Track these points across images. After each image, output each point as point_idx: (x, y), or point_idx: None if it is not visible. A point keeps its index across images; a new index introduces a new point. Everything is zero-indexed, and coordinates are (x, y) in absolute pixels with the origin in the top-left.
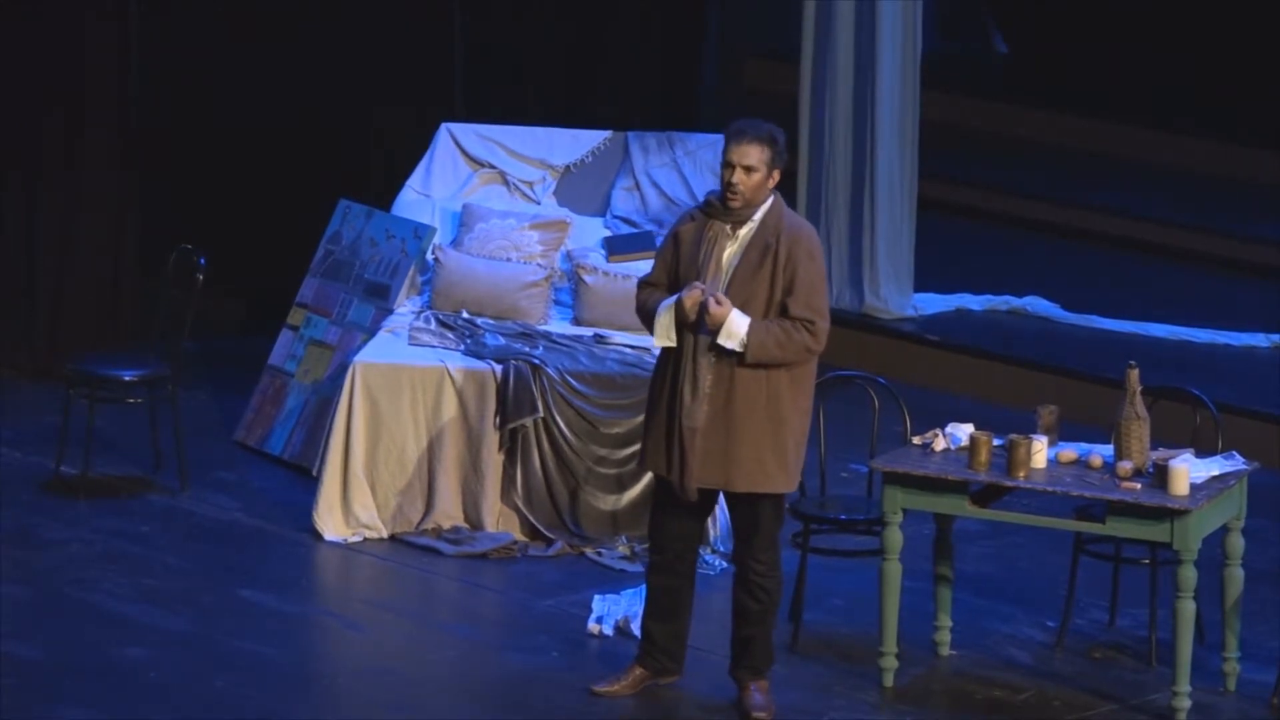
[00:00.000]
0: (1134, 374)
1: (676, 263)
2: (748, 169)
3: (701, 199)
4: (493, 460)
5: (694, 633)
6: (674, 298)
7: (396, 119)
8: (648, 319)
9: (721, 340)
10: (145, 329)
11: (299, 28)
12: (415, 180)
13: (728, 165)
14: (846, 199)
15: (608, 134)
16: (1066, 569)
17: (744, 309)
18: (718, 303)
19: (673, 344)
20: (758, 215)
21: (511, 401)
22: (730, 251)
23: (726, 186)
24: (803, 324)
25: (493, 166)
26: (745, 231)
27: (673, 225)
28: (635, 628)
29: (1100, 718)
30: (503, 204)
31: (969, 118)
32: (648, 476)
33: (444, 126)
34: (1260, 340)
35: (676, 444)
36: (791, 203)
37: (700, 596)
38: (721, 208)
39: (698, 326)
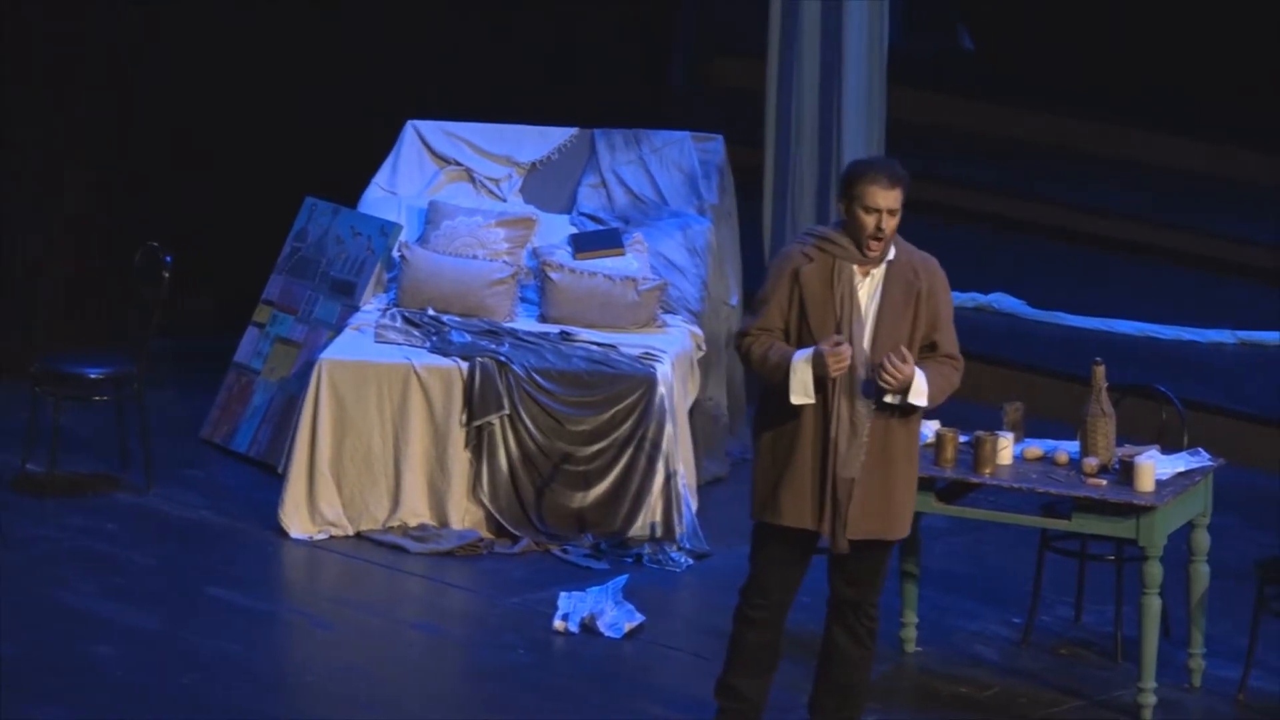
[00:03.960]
0: (1100, 370)
1: (800, 307)
2: (892, 213)
3: (803, 231)
4: (459, 458)
5: (662, 630)
6: (806, 351)
7: (362, 116)
8: (769, 371)
9: (913, 399)
10: (112, 327)
11: (268, 25)
12: (381, 177)
13: (872, 211)
14: (813, 196)
15: (574, 131)
16: (1032, 565)
17: (895, 353)
18: (902, 359)
19: (812, 400)
20: (890, 253)
21: (478, 399)
22: (865, 292)
23: (872, 235)
24: (951, 363)
25: (459, 164)
26: (878, 270)
27: (779, 265)
28: (601, 625)
29: (1066, 714)
30: (469, 201)
31: (935, 114)
32: (614, 474)
33: (410, 124)
34: (1226, 337)
35: (829, 495)
36: (757, 198)
37: (666, 593)
38: (857, 252)
39: (863, 389)
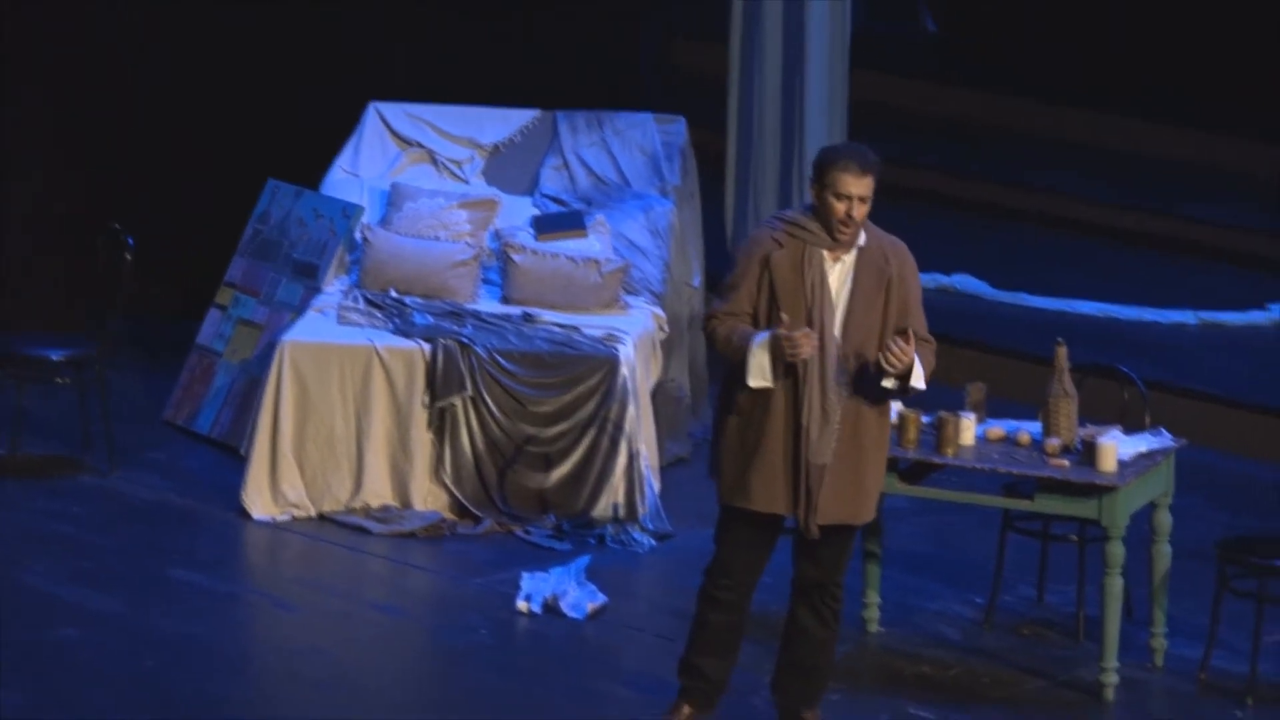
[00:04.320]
0: (1062, 351)
1: (770, 292)
2: (863, 199)
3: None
4: (421, 439)
5: (625, 610)
6: (765, 335)
7: (325, 98)
8: (731, 353)
9: (914, 383)
10: (73, 309)
11: (227, 6)
12: (343, 159)
13: (843, 198)
14: (775, 177)
15: (536, 113)
16: (995, 546)
17: (865, 339)
18: (902, 350)
19: (770, 384)
20: (860, 238)
21: (440, 380)
22: (836, 278)
23: (843, 220)
24: (927, 346)
25: (421, 145)
26: (849, 256)
27: (748, 249)
28: (564, 605)
29: (1028, 694)
30: (431, 183)
31: (898, 97)
32: (577, 455)
33: (372, 105)
34: (1188, 318)
35: (803, 481)
36: (719, 183)
37: (629, 573)
38: (827, 236)
39: (839, 373)
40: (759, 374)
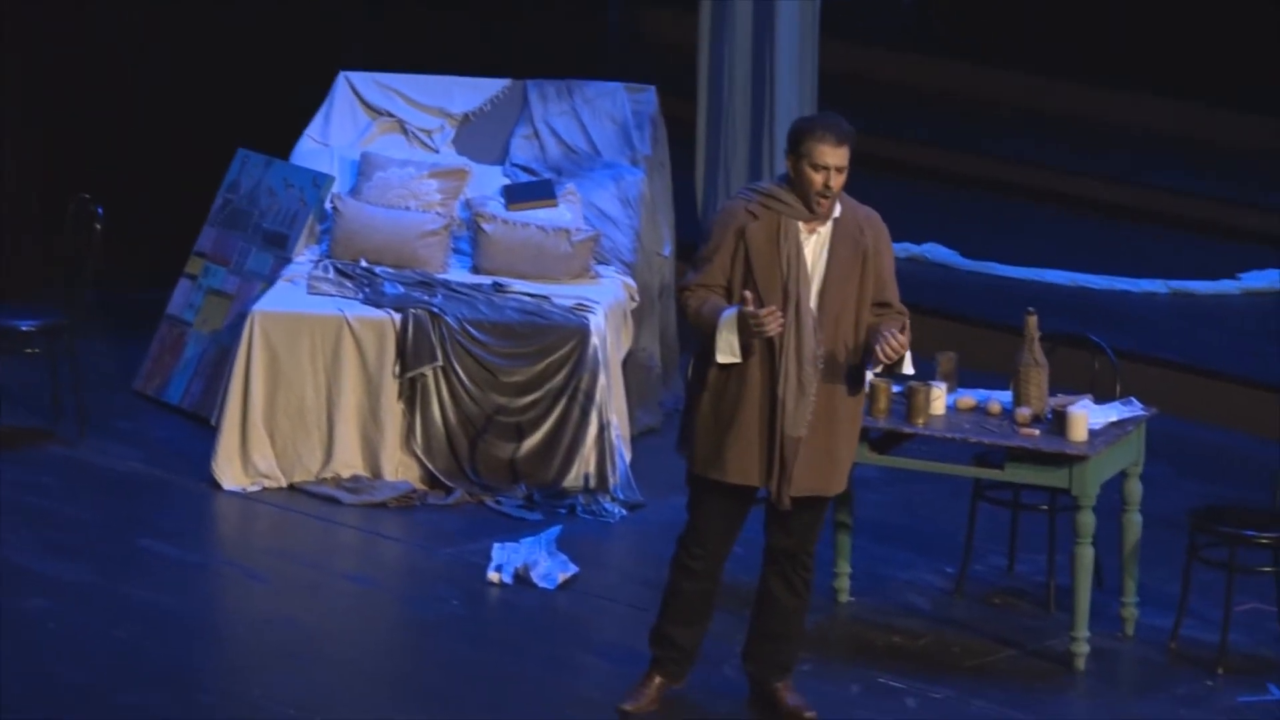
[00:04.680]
0: (1032, 320)
1: (746, 266)
2: (841, 169)
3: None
4: (392, 409)
5: (596, 580)
6: (732, 312)
7: (294, 67)
8: (702, 326)
9: (906, 369)
10: (43, 279)
11: None
12: (314, 129)
13: (820, 168)
14: (746, 146)
15: (506, 82)
16: (965, 515)
17: (841, 312)
18: (900, 344)
19: (737, 360)
20: (835, 210)
21: (411, 350)
22: (812, 251)
23: (820, 191)
24: (903, 318)
25: (391, 115)
26: (824, 228)
27: (722, 221)
28: (535, 576)
29: (999, 663)
30: (401, 153)
31: (868, 67)
32: (548, 425)
33: (342, 75)
34: (1159, 287)
35: (777, 453)
36: (690, 153)
37: (600, 543)
38: (803, 207)
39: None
40: (727, 350)
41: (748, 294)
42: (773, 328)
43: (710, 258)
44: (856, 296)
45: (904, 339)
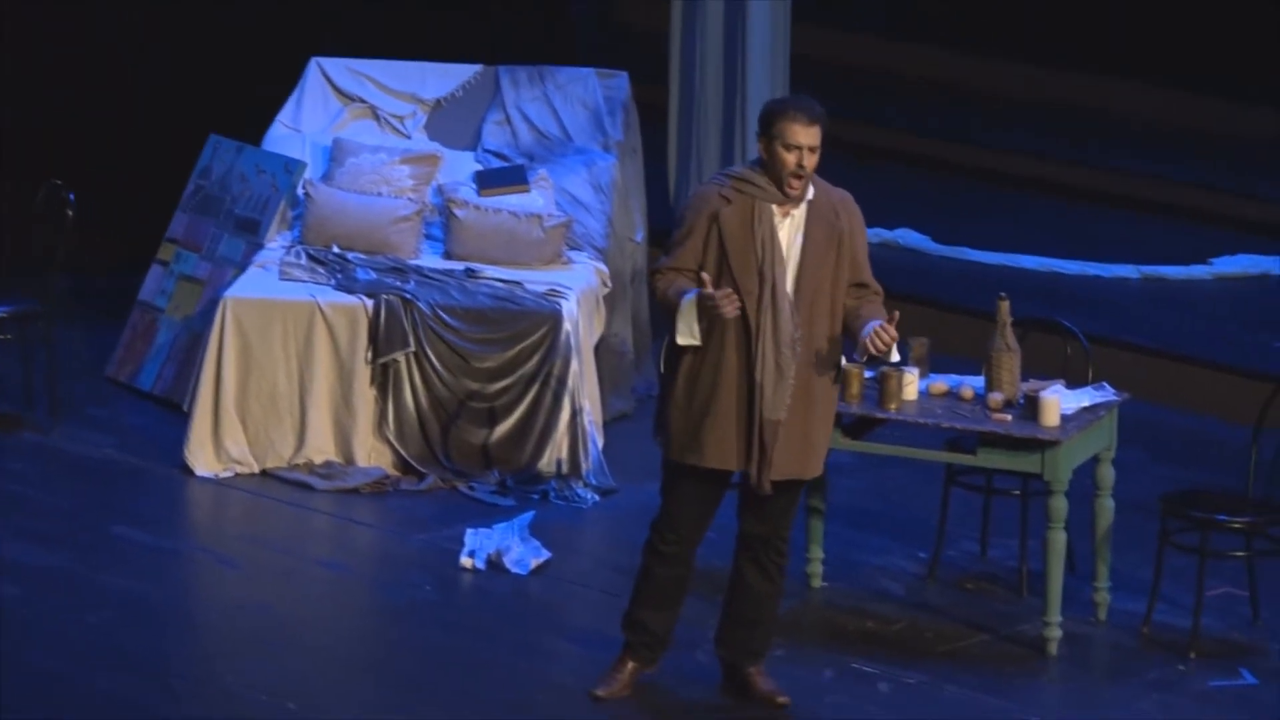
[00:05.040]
0: (1004, 306)
1: (720, 251)
2: (813, 150)
3: (719, 172)
4: (364, 395)
5: (569, 566)
6: (691, 294)
7: (266, 53)
8: (666, 309)
9: (894, 358)
10: (15, 265)
11: None
12: (285, 115)
13: (793, 148)
14: (718, 132)
15: (478, 68)
16: (938, 501)
17: (817, 294)
18: (892, 336)
19: (698, 343)
20: (809, 193)
21: (383, 336)
22: (786, 234)
23: (793, 172)
24: (879, 298)
25: (363, 101)
26: (798, 211)
27: (695, 206)
28: (508, 561)
29: (972, 648)
30: (373, 138)
31: (840, 52)
32: (520, 410)
33: (314, 61)
34: (1130, 272)
35: (756, 437)
36: (662, 138)
37: (572, 529)
38: (776, 190)
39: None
40: (687, 333)
41: (705, 275)
42: (728, 310)
43: (682, 242)
44: (832, 279)
45: (894, 332)
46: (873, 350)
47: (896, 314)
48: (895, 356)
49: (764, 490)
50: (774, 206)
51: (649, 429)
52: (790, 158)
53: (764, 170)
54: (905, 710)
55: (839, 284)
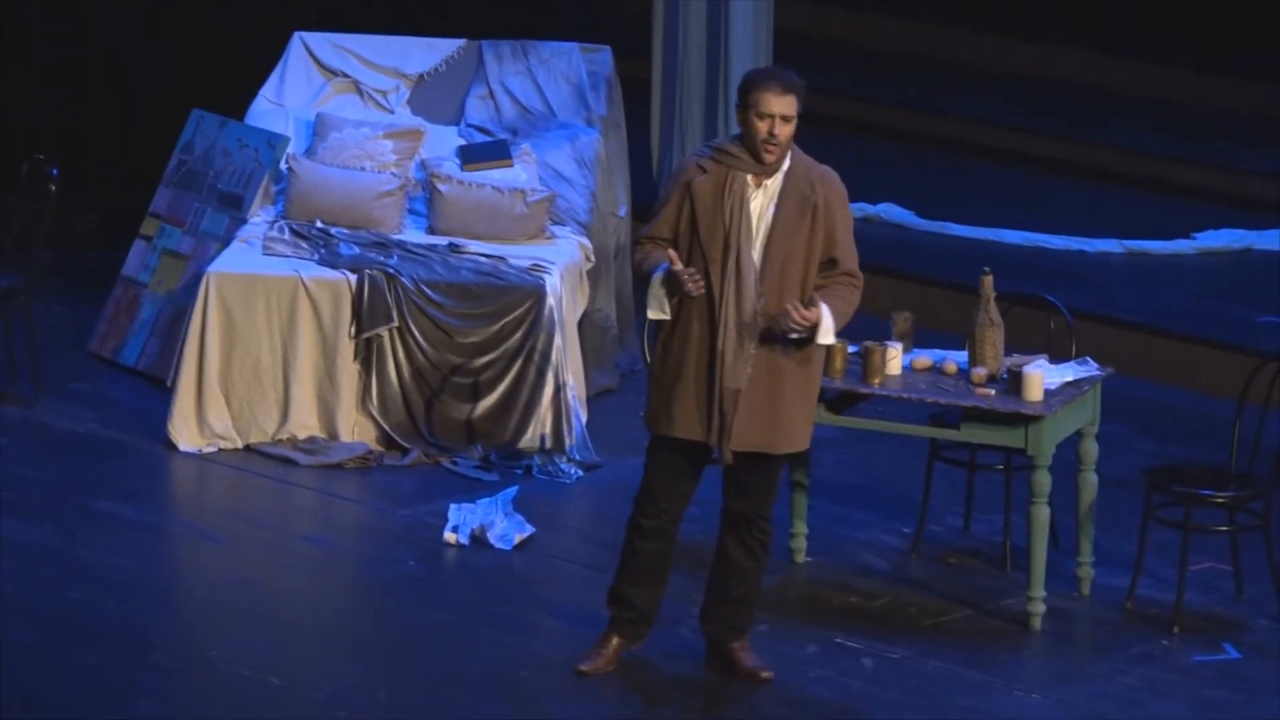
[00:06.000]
0: (988, 280)
1: (691, 219)
2: (786, 119)
3: (704, 144)
4: (348, 370)
5: (552, 541)
6: (662, 269)
7: (249, 27)
8: (641, 281)
9: (821, 339)
10: None
11: None
12: (268, 89)
13: (765, 116)
14: (701, 109)
15: (462, 42)
16: (922, 475)
17: (785, 267)
18: (807, 307)
19: (667, 317)
20: (785, 164)
21: (367, 311)
22: (759, 204)
23: (766, 139)
24: (851, 281)
25: (346, 75)
26: (773, 182)
27: (674, 176)
28: (491, 537)
29: (956, 623)
30: (357, 113)
31: (823, 26)
32: (503, 386)
33: (297, 35)
34: (1114, 246)
35: (717, 406)
36: (645, 112)
37: (556, 504)
38: (751, 160)
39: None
40: (657, 307)
41: (673, 252)
42: (691, 288)
43: (659, 211)
44: (804, 252)
45: (810, 315)
46: (789, 327)
47: (821, 306)
48: (827, 339)
49: (726, 460)
50: (749, 177)
51: (633, 404)
52: (762, 125)
53: (742, 141)
54: (889, 685)
55: (812, 257)
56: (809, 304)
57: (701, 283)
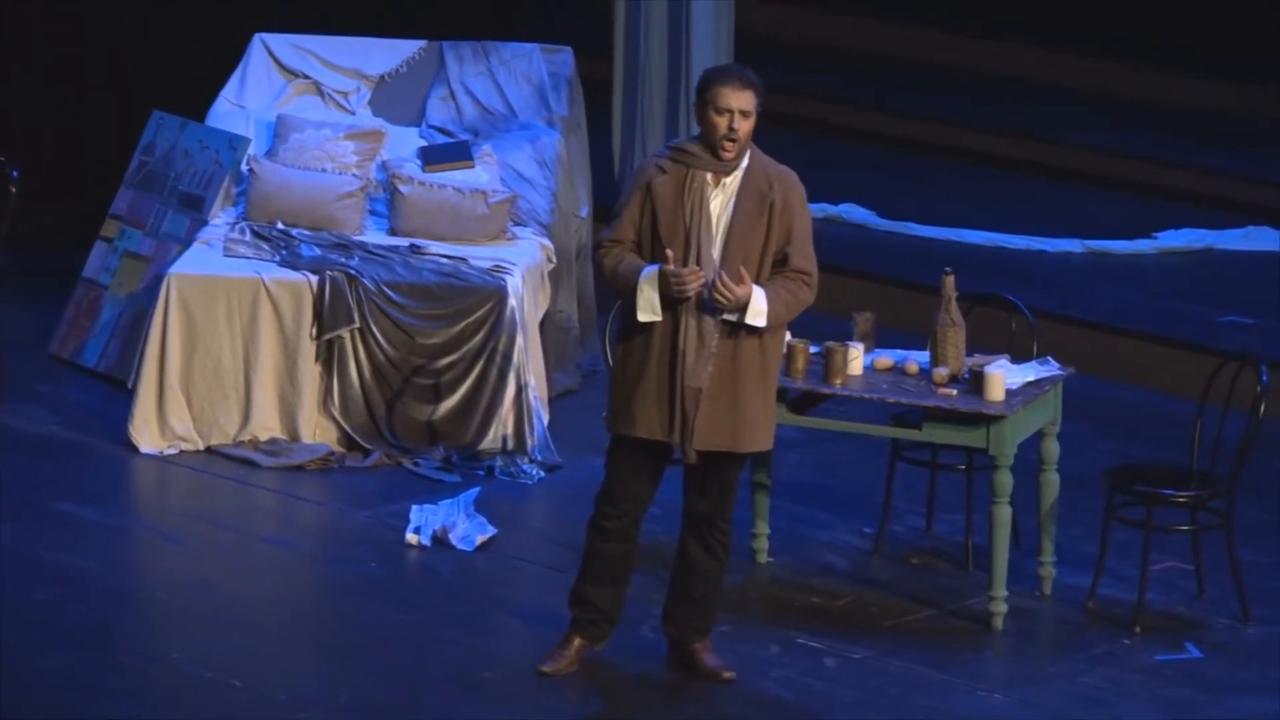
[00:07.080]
0: (949, 280)
1: (652, 219)
2: (745, 114)
3: (666, 144)
4: (309, 371)
5: (514, 542)
6: (653, 270)
7: (209, 29)
8: (620, 285)
9: (750, 320)
10: None
11: None
12: (229, 91)
13: (723, 112)
14: (662, 109)
15: (422, 43)
16: (883, 475)
17: (746, 263)
18: (739, 279)
19: (658, 318)
20: (743, 162)
21: (328, 312)
22: (719, 203)
23: (725, 135)
24: (801, 278)
25: (307, 77)
26: (732, 180)
27: (634, 177)
28: (453, 538)
29: (918, 623)
30: (318, 114)
31: (784, 25)
32: (465, 387)
33: (257, 36)
34: (1075, 246)
35: (679, 406)
36: (606, 111)
37: (518, 505)
38: (711, 157)
39: (704, 305)
40: (648, 309)
41: (669, 253)
42: (693, 286)
43: (620, 213)
44: (761, 250)
45: (737, 290)
46: (716, 299)
47: (751, 285)
48: (757, 321)
49: (689, 460)
50: (708, 175)
51: (595, 404)
52: (721, 121)
53: (701, 140)
54: (851, 685)
55: (768, 255)
56: (738, 280)
57: (703, 277)
